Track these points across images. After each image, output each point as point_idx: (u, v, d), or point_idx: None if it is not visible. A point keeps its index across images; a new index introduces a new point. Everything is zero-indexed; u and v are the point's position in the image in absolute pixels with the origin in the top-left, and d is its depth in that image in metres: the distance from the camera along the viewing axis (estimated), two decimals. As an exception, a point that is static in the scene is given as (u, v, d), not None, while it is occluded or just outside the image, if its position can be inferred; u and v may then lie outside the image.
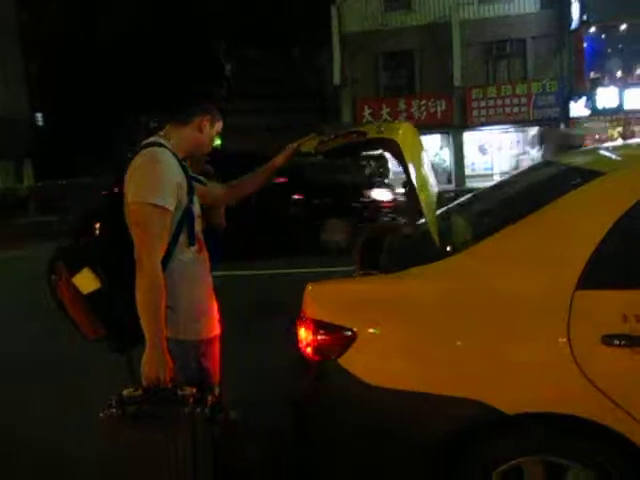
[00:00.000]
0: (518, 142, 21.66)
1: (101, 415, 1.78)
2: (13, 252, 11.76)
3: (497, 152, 21.64)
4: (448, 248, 2.14)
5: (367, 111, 20.54)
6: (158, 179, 1.93)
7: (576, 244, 1.91)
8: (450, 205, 3.03)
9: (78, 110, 26.17)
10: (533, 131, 21.13)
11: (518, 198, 2.55)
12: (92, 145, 24.45)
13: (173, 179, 1.96)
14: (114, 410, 1.75)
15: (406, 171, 2.14)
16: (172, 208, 1.95)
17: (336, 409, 2.05)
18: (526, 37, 20.30)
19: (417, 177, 2.18)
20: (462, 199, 3.09)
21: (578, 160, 2.63)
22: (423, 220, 2.17)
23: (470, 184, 19.47)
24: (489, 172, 20.98)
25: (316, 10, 21.60)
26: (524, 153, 21.25)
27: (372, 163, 11.92)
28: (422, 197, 2.16)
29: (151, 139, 2.07)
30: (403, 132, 2.20)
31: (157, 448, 1.74)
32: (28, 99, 27.39)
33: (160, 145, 2.03)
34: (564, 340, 1.83)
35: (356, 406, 2.00)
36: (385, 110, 20.39)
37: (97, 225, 2.09)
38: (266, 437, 2.80)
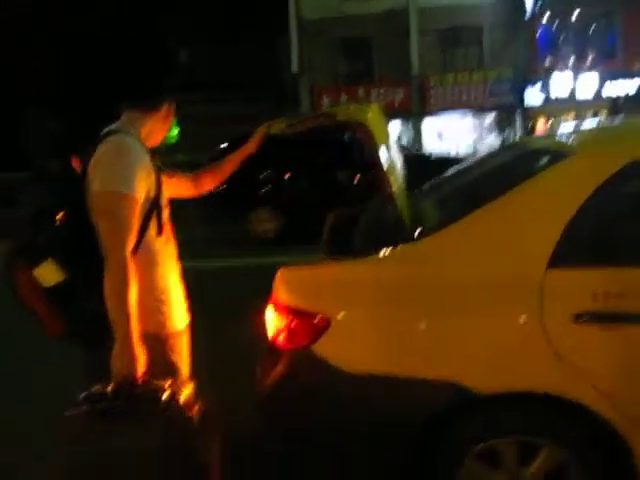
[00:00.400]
0: (475, 129, 21.95)
1: (67, 414, 1.70)
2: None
3: (455, 138, 21.88)
4: (418, 231, 2.13)
5: (326, 99, 20.48)
6: (125, 167, 1.83)
7: (548, 223, 1.92)
8: (418, 188, 3.02)
9: (29, 99, 25.16)
10: (490, 118, 21.46)
11: (487, 180, 2.56)
12: (45, 135, 23.58)
13: (141, 167, 1.87)
14: (83, 407, 1.67)
15: (376, 154, 2.12)
16: (140, 197, 1.86)
17: (309, 398, 2.02)
18: (482, 25, 20.52)
19: (386, 160, 2.16)
20: (429, 183, 3.09)
21: (542, 143, 2.65)
22: (393, 203, 2.14)
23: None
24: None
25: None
26: (481, 139, 21.58)
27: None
28: (392, 180, 2.14)
29: (113, 126, 1.97)
30: (372, 115, 2.17)
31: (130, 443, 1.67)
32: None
33: (125, 132, 1.94)
34: (536, 319, 1.85)
35: (330, 393, 1.98)
36: (344, 98, 20.36)
37: (58, 216, 1.98)
38: (237, 432, 2.75)
